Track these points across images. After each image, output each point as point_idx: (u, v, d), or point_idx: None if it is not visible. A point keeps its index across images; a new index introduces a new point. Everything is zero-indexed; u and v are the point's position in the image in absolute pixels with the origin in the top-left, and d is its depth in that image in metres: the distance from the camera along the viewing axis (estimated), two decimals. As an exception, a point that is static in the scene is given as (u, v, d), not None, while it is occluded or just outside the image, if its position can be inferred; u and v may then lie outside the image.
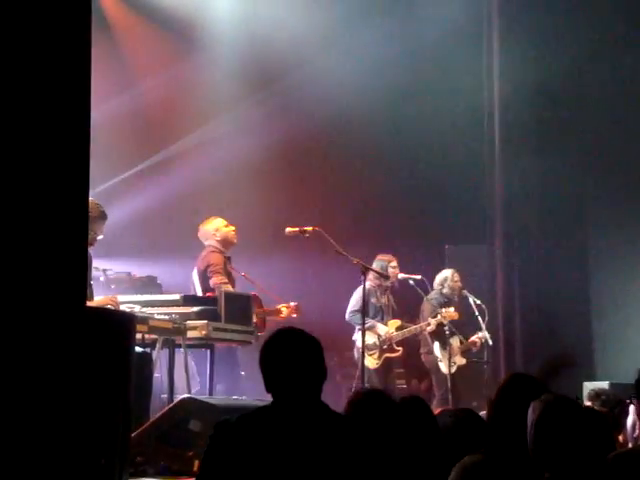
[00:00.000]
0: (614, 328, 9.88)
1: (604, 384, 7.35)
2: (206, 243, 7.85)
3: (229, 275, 7.73)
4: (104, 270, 8.15)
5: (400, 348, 9.02)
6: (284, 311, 7.93)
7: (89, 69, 3.30)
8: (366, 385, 7.76)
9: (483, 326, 9.22)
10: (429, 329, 9.05)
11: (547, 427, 2.97)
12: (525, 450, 3.13)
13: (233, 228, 7.90)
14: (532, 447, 2.99)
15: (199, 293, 7.47)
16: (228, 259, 7.84)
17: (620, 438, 5.46)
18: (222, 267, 7.64)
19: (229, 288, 7.44)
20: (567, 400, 3.05)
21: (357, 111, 10.71)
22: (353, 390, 3.90)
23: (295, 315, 7.96)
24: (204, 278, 7.61)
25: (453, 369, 9.06)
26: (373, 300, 8.87)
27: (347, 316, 8.93)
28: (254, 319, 7.43)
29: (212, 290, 7.42)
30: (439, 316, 8.95)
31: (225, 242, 7.82)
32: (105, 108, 8.98)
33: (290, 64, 10.51)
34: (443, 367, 9.09)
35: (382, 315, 9.00)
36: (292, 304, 7.97)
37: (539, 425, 2.98)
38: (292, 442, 2.86)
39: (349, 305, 8.93)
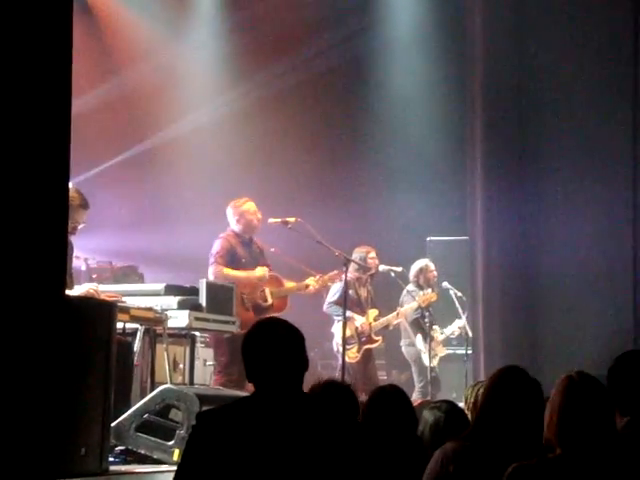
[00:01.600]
0: (592, 319, 9.94)
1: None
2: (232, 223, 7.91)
3: (238, 260, 7.75)
4: (85, 259, 8.13)
5: (379, 338, 9.00)
6: (312, 285, 7.94)
7: (70, 55, 3.28)
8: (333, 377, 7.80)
9: (464, 318, 9.28)
10: (398, 321, 9.08)
11: (573, 403, 2.98)
12: (511, 439, 3.17)
13: (259, 216, 7.88)
14: (556, 421, 3.00)
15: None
16: (244, 242, 7.85)
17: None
18: (222, 255, 7.68)
19: (226, 272, 7.51)
20: (594, 379, 3.08)
21: (340, 104, 10.75)
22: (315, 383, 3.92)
23: (337, 280, 8.01)
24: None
25: (435, 361, 9.10)
26: (351, 292, 8.83)
27: (325, 307, 8.93)
28: (269, 300, 7.63)
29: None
30: (415, 302, 8.98)
31: (246, 228, 7.86)
32: (88, 96, 8.95)
33: (275, 53, 10.52)
34: (425, 359, 9.13)
35: (361, 307, 8.99)
36: (335, 272, 8.00)
37: (566, 399, 3.00)
38: (274, 432, 2.87)
39: (327, 296, 8.93)
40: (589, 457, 2.94)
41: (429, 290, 9.05)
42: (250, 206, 7.91)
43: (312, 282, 7.99)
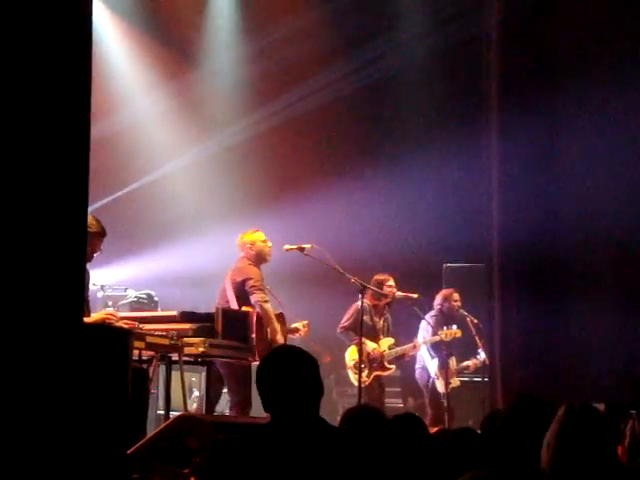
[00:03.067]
0: (611, 348, 9.86)
1: (599, 406, 7.31)
2: (241, 254, 7.82)
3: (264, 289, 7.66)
4: (102, 286, 8.16)
5: (392, 366, 8.98)
6: (301, 329, 7.88)
7: (89, 84, 3.31)
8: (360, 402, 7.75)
9: (480, 345, 9.24)
10: (414, 352, 9.05)
11: (573, 434, 2.93)
12: (530, 469, 3.11)
13: (270, 244, 7.84)
14: (552, 454, 2.95)
15: (233, 305, 7.39)
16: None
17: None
18: (262, 282, 7.57)
19: (269, 306, 7.42)
20: (594, 410, 3.04)
21: (353, 129, 10.77)
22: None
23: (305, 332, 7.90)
24: (241, 291, 7.53)
25: (447, 389, 9.05)
26: (366, 318, 8.75)
27: (338, 331, 8.95)
28: (280, 339, 7.39)
29: (250, 305, 7.38)
30: (441, 335, 8.97)
31: (259, 257, 7.77)
32: (103, 125, 9.01)
33: (286, 82, 10.58)
34: (439, 385, 9.09)
35: (375, 334, 8.95)
36: (304, 322, 7.92)
37: (564, 431, 2.95)
38: (292, 459, 2.86)
39: (342, 321, 8.94)
40: None
41: (454, 326, 9.04)
42: (259, 235, 7.86)
43: (301, 327, 7.87)
